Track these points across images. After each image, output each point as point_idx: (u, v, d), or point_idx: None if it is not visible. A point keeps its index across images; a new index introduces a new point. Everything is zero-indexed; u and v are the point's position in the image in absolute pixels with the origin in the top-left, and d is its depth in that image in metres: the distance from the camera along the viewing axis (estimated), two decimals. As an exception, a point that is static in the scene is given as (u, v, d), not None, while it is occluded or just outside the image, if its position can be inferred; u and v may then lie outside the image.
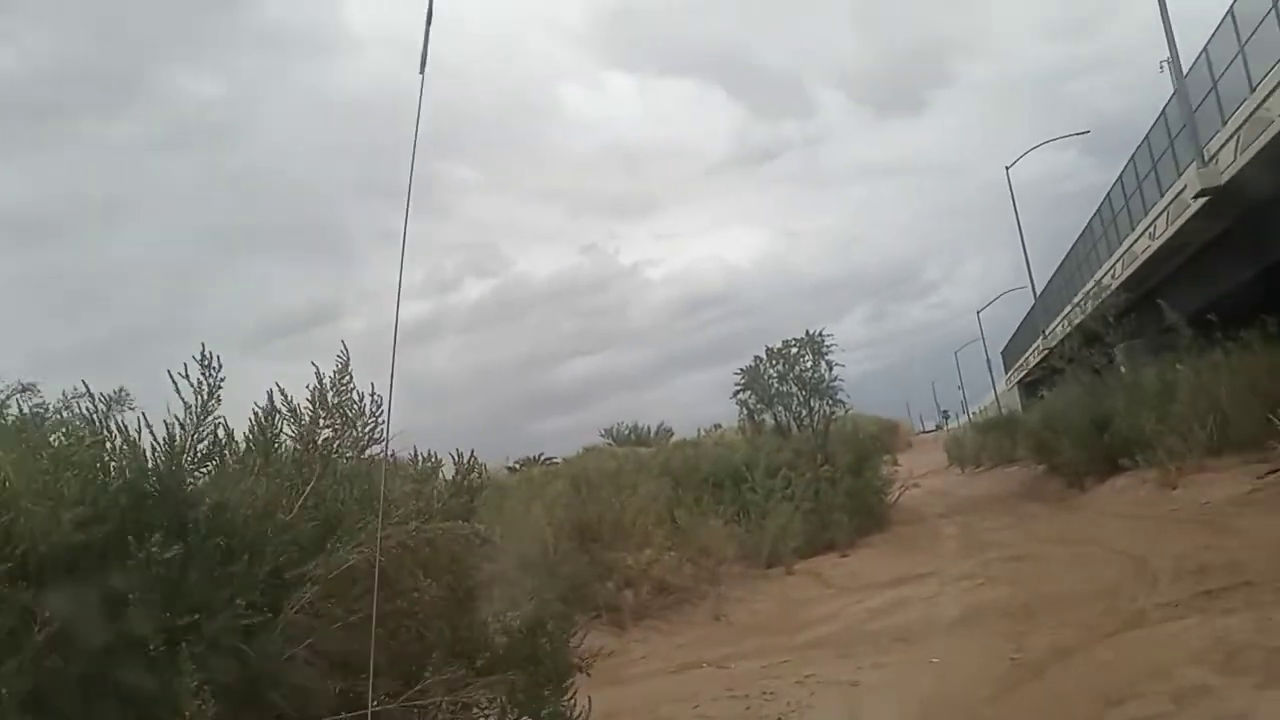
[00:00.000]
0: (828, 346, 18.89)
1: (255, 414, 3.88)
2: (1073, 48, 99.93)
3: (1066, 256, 33.68)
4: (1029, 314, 43.79)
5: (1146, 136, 22.12)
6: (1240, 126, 16.03)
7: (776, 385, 19.19)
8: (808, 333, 19.05)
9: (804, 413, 19.10)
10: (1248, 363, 14.55)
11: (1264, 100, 14.91)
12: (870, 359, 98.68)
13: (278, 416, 3.91)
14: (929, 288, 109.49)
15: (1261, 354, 14.55)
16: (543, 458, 23.05)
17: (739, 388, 19.43)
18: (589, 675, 4.92)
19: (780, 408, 19.31)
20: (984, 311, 57.27)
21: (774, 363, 19.22)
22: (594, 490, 13.03)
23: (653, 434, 29.01)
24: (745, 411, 19.68)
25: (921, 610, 9.71)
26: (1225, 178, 17.10)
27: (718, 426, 19.20)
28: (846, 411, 18.63)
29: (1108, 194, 26.40)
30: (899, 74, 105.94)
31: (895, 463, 44.42)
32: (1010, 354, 54.01)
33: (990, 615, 8.65)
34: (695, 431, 19.78)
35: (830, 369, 18.71)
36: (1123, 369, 19.35)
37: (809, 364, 19.02)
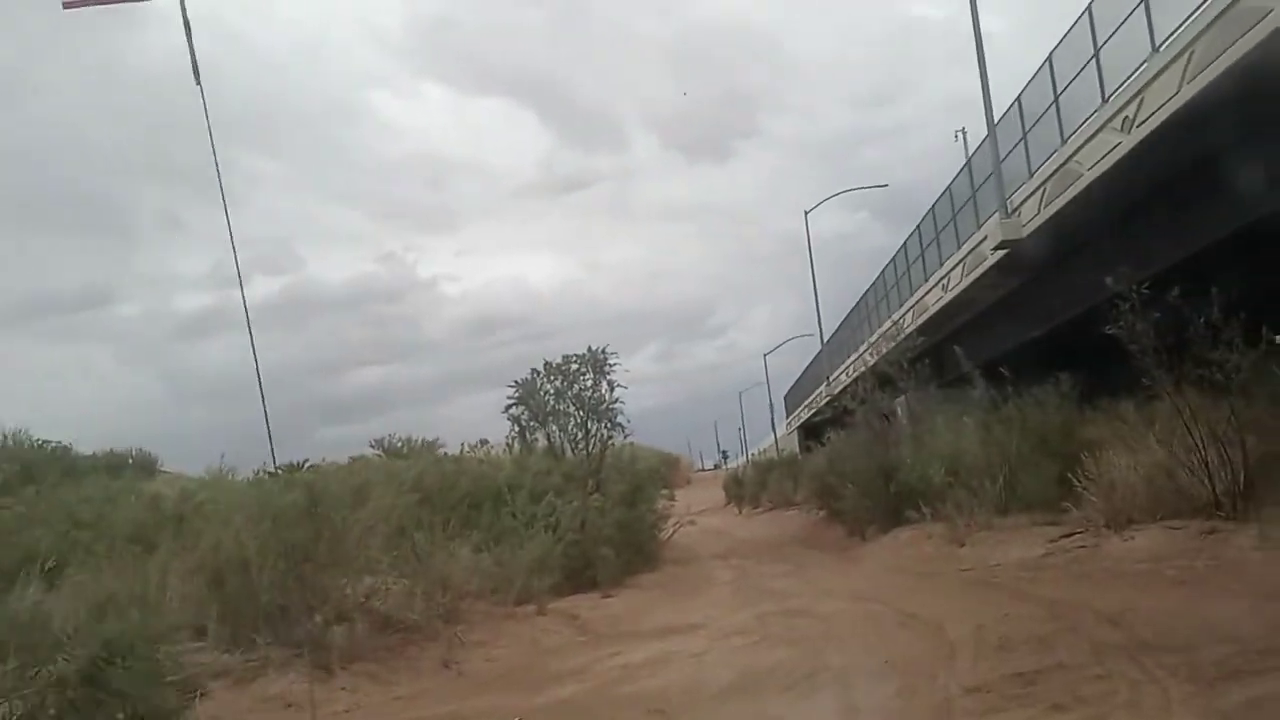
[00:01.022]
0: (611, 366, 17.23)
1: None
2: (872, 117, 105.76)
3: (855, 307, 33.92)
4: (814, 360, 44.34)
5: (949, 187, 22.00)
6: (1048, 179, 15.68)
7: (553, 402, 17.30)
8: (590, 349, 17.32)
9: (580, 435, 17.31)
10: (1039, 420, 13.96)
11: (1074, 154, 14.51)
12: (657, 394, 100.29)
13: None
14: (719, 330, 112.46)
15: (1054, 411, 14.01)
16: (306, 464, 20.16)
17: (511, 401, 17.41)
18: None
19: (555, 427, 17.44)
20: (771, 357, 58.13)
21: (552, 378, 17.35)
22: (333, 503, 10.65)
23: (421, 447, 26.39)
24: (517, 428, 17.66)
25: (686, 671, 8.09)
26: (1027, 230, 16.78)
27: (484, 442, 17.07)
28: (626, 437, 16.98)
29: (903, 244, 26.40)
30: (710, 121, 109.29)
31: (673, 498, 44.13)
32: (793, 398, 54.84)
33: (768, 685, 7.15)
34: (459, 447, 17.59)
35: (612, 390, 17.06)
36: (904, 421, 18.70)
37: (590, 383, 17.30)
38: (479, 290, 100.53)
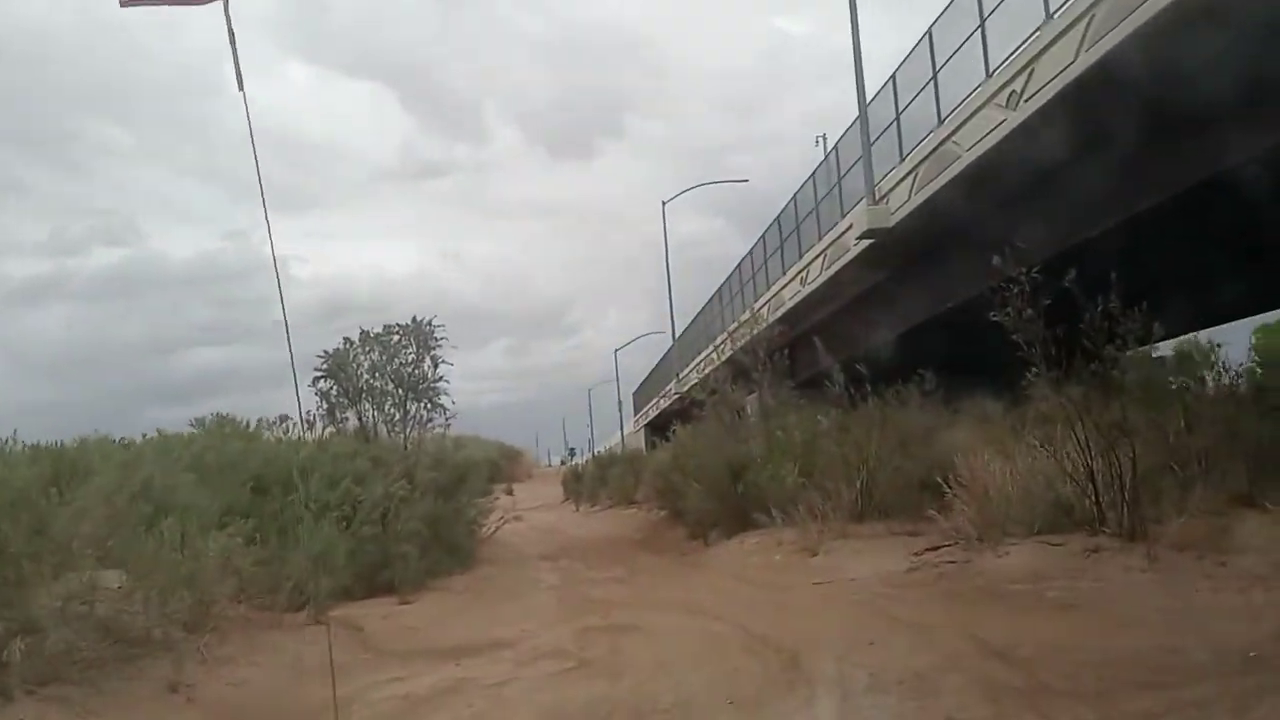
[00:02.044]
0: (438, 340, 15.14)
1: None
2: (737, 125, 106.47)
3: (708, 303, 32.73)
4: (664, 357, 43.14)
5: (812, 174, 20.86)
6: (922, 161, 14.55)
7: (367, 377, 15.07)
8: (415, 320, 15.19)
9: (397, 416, 15.13)
10: (899, 420, 12.77)
11: (953, 133, 13.39)
12: (508, 390, 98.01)
13: None
14: (573, 329, 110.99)
15: (916, 411, 12.85)
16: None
17: (320, 374, 15.06)
18: None
19: (369, 405, 15.19)
20: (623, 357, 56.86)
21: (368, 349, 15.11)
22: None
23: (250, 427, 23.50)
24: (325, 405, 15.31)
25: (477, 708, 6.28)
26: (896, 218, 15.67)
27: (284, 418, 14.66)
28: (448, 420, 14.92)
29: (761, 236, 25.26)
30: (576, 118, 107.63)
31: (510, 491, 41.93)
32: (641, 396, 53.63)
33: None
34: (248, 423, 15.06)
35: (436, 366, 14.96)
36: (754, 418, 17.29)
37: (411, 357, 15.15)
38: (331, 274, 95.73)
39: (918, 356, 13.81)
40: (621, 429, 55.90)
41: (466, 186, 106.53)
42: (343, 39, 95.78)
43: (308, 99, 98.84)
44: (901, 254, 16.32)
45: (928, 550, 9.78)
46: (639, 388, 55.04)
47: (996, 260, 9.15)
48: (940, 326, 15.99)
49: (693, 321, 35.85)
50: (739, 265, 27.45)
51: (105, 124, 75.55)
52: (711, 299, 31.57)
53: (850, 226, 17.34)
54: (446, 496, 13.35)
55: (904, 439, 12.51)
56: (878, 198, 16.23)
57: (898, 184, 15.66)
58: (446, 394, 14.93)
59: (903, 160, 15.54)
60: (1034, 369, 9.13)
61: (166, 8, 5.14)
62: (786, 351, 16.24)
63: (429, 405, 14.81)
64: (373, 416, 15.11)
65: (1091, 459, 8.89)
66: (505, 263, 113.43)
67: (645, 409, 50.91)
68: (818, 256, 19.85)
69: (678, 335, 37.51)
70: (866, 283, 18.33)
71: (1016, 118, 11.58)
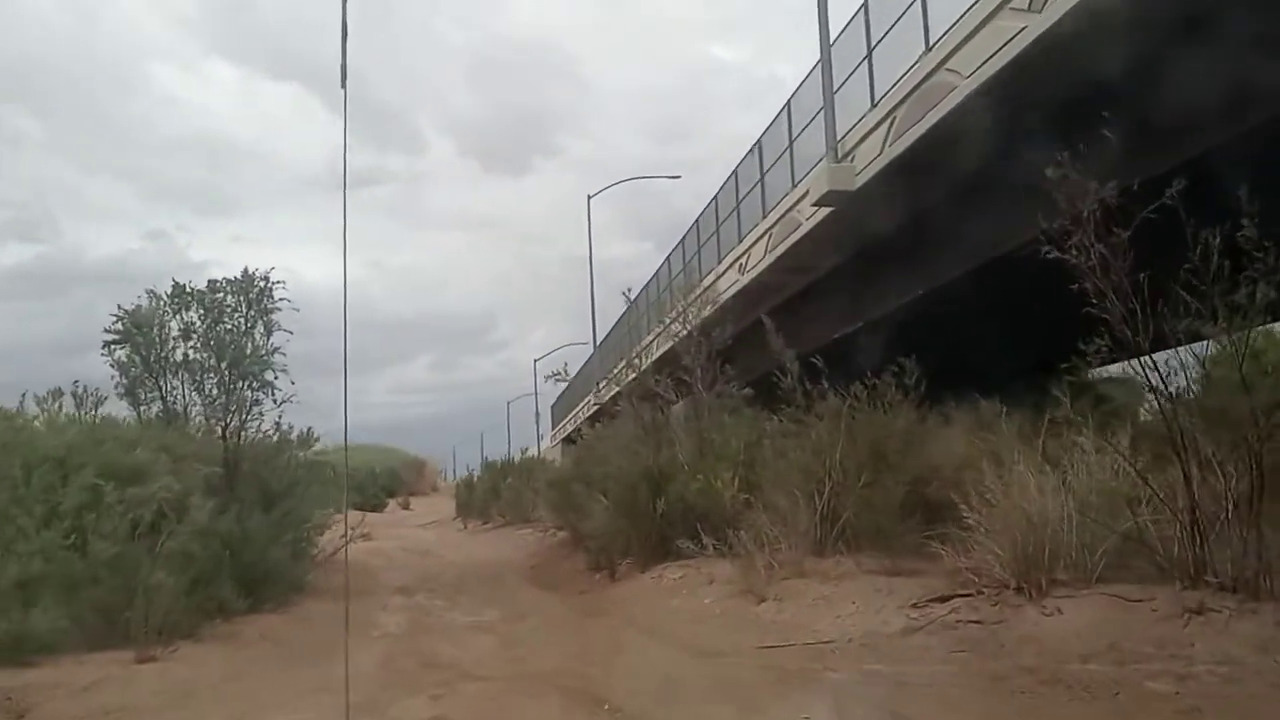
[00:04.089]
0: (276, 303, 11.62)
1: None
2: (665, 150, 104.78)
3: (633, 303, 29.39)
4: (584, 366, 39.75)
5: (758, 141, 17.76)
6: (901, 103, 11.57)
7: (178, 344, 11.48)
8: (246, 271, 11.67)
9: (220, 396, 11.55)
10: (874, 425, 9.62)
11: (947, 58, 10.43)
12: (433, 404, 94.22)
13: None
14: (499, 345, 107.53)
15: (896, 412, 9.72)
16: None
17: (113, 338, 11.41)
18: None
19: (181, 382, 11.59)
20: (545, 370, 53.05)
21: (179, 308, 11.51)
22: None
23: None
24: (124, 378, 11.63)
25: None
26: (863, 179, 12.65)
27: (60, 393, 11.03)
28: (278, 404, 11.34)
29: (695, 222, 22.15)
30: (509, 135, 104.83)
31: (406, 505, 38.36)
32: (561, 409, 50.08)
33: None
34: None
35: (269, 334, 11.44)
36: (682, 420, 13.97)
37: (241, 322, 11.59)
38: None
39: (884, 355, 10.73)
40: (538, 443, 52.28)
41: (396, 197, 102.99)
42: (268, 42, 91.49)
43: (233, 101, 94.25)
44: (865, 228, 13.27)
45: (933, 601, 6.61)
46: (557, 400, 51.45)
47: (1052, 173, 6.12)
48: (914, 318, 13.05)
49: (614, 327, 32.58)
50: (667, 258, 24.33)
51: (17, 114, 70.70)
52: (635, 300, 28.29)
53: (804, 195, 14.28)
54: (265, 509, 9.81)
55: (878, 447, 9.39)
56: (840, 155, 13.21)
57: (866, 136, 12.63)
58: (283, 371, 11.32)
59: (875, 105, 12.55)
60: (1102, 341, 6.04)
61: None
62: (720, 358, 12.93)
63: (256, 385, 11.18)
64: (183, 396, 11.45)
65: (1191, 475, 5.87)
66: (432, 275, 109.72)
67: (564, 422, 47.41)
68: (762, 236, 16.79)
69: (599, 343, 34.18)
70: (821, 266, 15.31)
71: (1045, 19, 8.61)
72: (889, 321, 13.57)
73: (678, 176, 31.59)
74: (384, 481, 39.44)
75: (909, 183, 11.81)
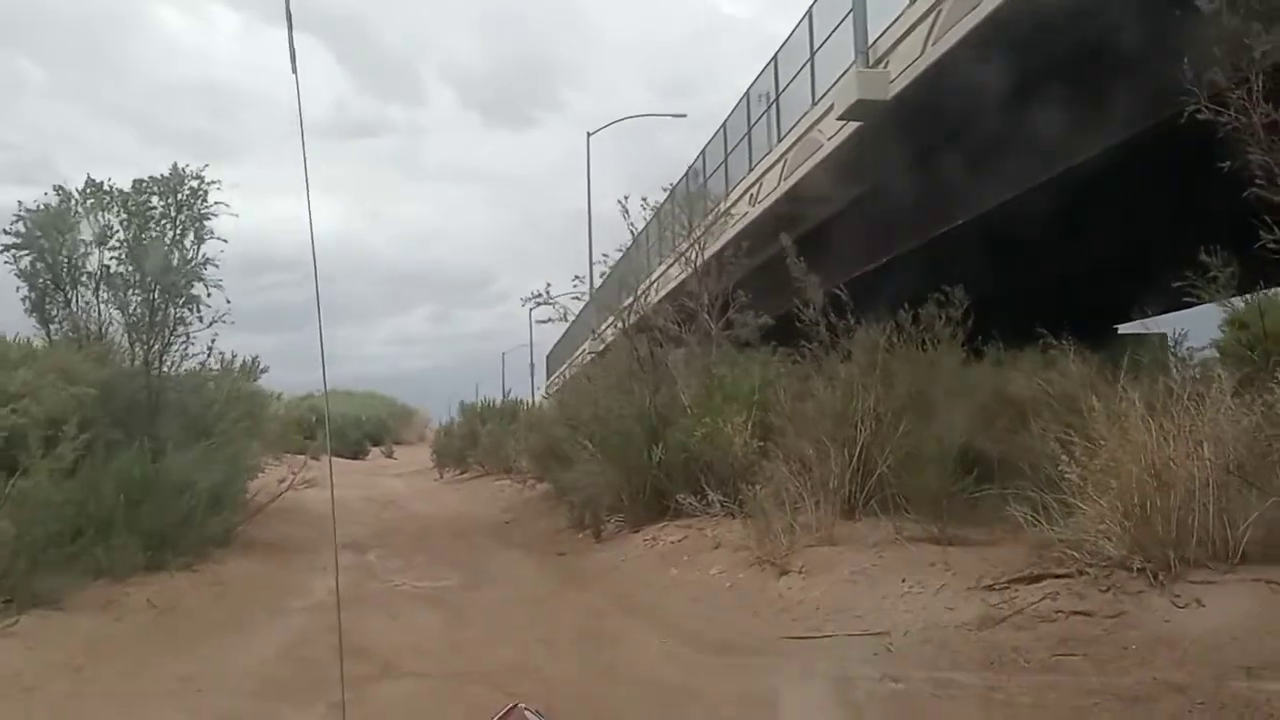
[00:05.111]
0: (209, 207, 9.93)
1: None
2: (671, 105, 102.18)
3: (633, 242, 27.51)
4: (580, 313, 37.94)
5: (774, 56, 15.84)
6: (949, -9, 9.74)
7: (90, 250, 9.81)
8: (177, 168, 9.96)
9: (146, 315, 9.89)
10: (916, 364, 7.97)
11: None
12: (431, 355, 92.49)
13: None
14: (498, 298, 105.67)
15: (941, 351, 8.03)
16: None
17: (13, 241, 9.73)
18: None
19: (96, 297, 9.93)
20: (544, 326, 51.34)
21: (96, 209, 9.81)
22: None
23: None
24: (33, 292, 9.95)
25: None
26: (898, 88, 10.87)
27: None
28: (208, 324, 9.65)
29: (702, 151, 20.22)
30: (511, 87, 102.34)
31: (390, 454, 36.72)
32: (555, 360, 48.37)
33: None
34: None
35: (201, 242, 9.76)
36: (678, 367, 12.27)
37: (170, 228, 9.91)
38: (254, 228, 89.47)
39: (924, 285, 9.05)
40: (532, 394, 50.70)
41: (398, 147, 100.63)
42: None
43: (235, 46, 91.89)
44: (899, 146, 11.49)
45: (1016, 581, 4.98)
46: (552, 350, 49.72)
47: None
48: (953, 249, 11.34)
49: (612, 270, 30.74)
50: (672, 190, 22.41)
51: (19, 58, 68.55)
52: (635, 239, 26.43)
53: (829, 110, 12.48)
54: (179, 445, 8.17)
55: (921, 389, 7.75)
56: (873, 61, 11.40)
57: (903, 37, 10.82)
58: (217, 286, 9.60)
59: (913, 2, 10.71)
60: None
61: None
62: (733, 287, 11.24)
63: (181, 302, 9.45)
64: (99, 314, 9.74)
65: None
66: (432, 226, 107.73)
67: (559, 372, 45.76)
68: (777, 162, 14.99)
69: (596, 288, 32.35)
70: (844, 196, 13.53)
71: None
72: (924, 252, 11.85)
73: (683, 115, 29.51)
74: (369, 429, 37.75)
75: (961, 84, 10.00)
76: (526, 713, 1.76)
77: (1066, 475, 5.02)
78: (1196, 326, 7.51)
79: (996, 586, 5.03)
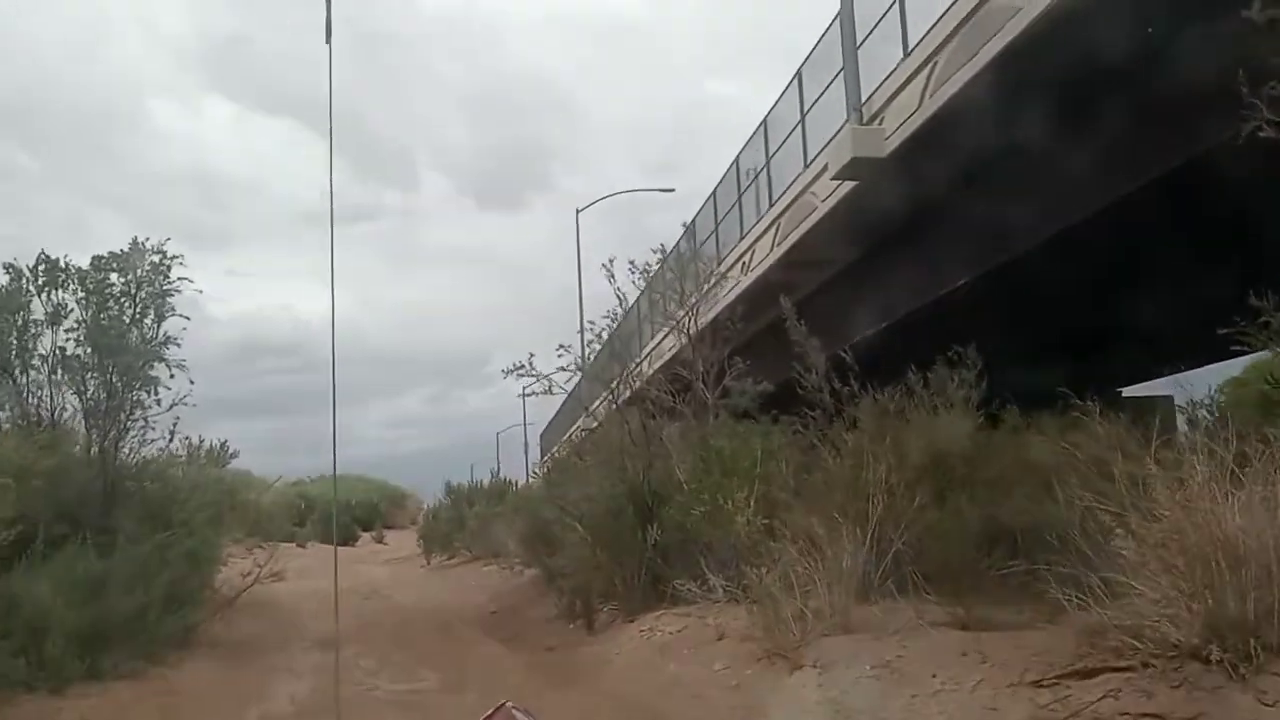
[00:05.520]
0: (172, 283, 9.44)
1: None
2: (659, 181, 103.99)
3: (625, 315, 27.08)
4: (573, 392, 37.43)
5: (763, 121, 15.56)
6: (948, 39, 9.40)
7: (41, 330, 9.30)
8: (136, 241, 9.49)
9: (102, 398, 9.32)
10: (930, 431, 7.38)
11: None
12: (427, 437, 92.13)
13: None
14: (494, 378, 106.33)
15: (959, 414, 7.46)
16: None
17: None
18: None
19: (49, 380, 9.39)
20: (539, 405, 50.93)
21: (50, 287, 9.32)
22: None
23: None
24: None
25: None
26: (895, 143, 10.47)
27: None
28: (167, 408, 9.04)
29: (691, 221, 19.83)
30: (503, 169, 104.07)
31: (381, 539, 35.77)
32: (549, 438, 47.67)
33: None
34: None
35: (161, 320, 9.22)
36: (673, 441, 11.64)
37: (129, 306, 9.39)
38: (249, 314, 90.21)
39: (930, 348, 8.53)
40: (526, 473, 49.90)
41: (392, 232, 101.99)
42: (265, 78, 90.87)
43: (228, 136, 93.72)
44: (896, 203, 11.06)
45: (1068, 676, 4.31)
46: (546, 429, 49.10)
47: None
48: (961, 309, 10.85)
49: (605, 345, 30.29)
50: (664, 255, 22.01)
51: (12, 149, 69.64)
52: (626, 311, 26.00)
53: (823, 170, 12.09)
54: (132, 539, 7.50)
55: (938, 458, 7.15)
56: (867, 118, 11.04)
57: (898, 91, 10.46)
58: (180, 367, 9.02)
59: (908, 54, 10.38)
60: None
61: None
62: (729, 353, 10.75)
63: (139, 384, 8.85)
64: (50, 399, 9.11)
65: None
66: (427, 309, 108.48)
67: (552, 450, 45.00)
68: (769, 228, 14.59)
69: (588, 362, 31.89)
70: (840, 257, 13.08)
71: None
72: (926, 313, 11.34)
73: (671, 189, 29.57)
74: (359, 514, 36.84)
75: (962, 137, 9.60)
76: (514, 711, 1.97)
77: (1122, 550, 4.40)
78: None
79: (1045, 683, 4.36)
